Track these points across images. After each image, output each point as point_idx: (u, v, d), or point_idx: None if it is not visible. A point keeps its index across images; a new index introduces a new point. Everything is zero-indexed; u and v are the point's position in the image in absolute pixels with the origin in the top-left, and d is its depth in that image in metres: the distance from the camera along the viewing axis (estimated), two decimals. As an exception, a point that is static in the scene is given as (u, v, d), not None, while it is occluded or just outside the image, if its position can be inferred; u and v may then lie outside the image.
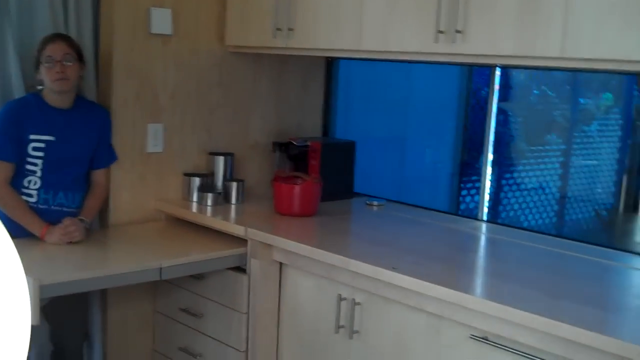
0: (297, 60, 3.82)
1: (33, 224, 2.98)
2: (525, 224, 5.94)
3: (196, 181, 3.50)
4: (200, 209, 3.40)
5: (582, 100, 6.66)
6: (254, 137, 3.80)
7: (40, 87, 3.05)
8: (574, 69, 2.55)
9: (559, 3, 2.40)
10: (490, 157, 3.44)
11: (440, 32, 2.69)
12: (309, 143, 3.61)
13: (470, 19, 2.63)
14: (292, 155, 3.64)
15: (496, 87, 3.37)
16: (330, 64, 3.99)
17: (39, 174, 3.02)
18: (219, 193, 3.49)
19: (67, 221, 2.98)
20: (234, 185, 3.52)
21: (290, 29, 3.25)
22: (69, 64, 2.97)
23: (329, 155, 3.60)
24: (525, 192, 6.01)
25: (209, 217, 3.29)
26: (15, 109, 3.01)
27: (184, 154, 3.57)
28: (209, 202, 3.44)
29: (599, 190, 6.80)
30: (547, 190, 6.24)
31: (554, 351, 2.14)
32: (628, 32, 2.27)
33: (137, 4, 3.34)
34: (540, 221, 6.13)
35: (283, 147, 3.67)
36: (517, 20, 2.51)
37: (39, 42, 3.02)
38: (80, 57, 3.05)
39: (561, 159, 6.39)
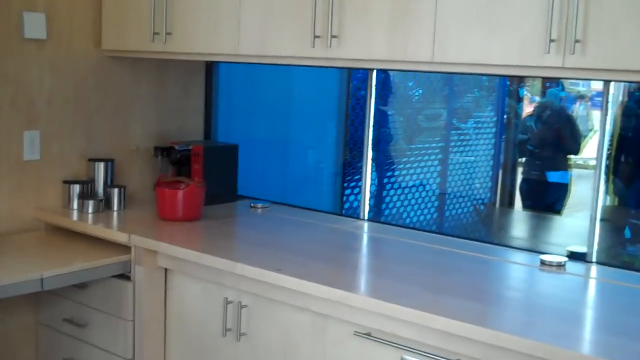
0: (176, 64, 3.81)
1: None
2: (407, 221, 6.12)
3: (76, 188, 3.43)
4: (81, 216, 3.34)
5: (458, 99, 6.92)
6: (135, 141, 3.76)
7: None
8: (446, 72, 2.66)
9: (428, 10, 2.51)
10: (370, 156, 3.53)
11: (317, 36, 2.75)
12: (191, 147, 3.60)
13: (345, 24, 2.70)
14: (175, 159, 3.62)
15: (374, 88, 3.46)
16: (211, 67, 3.99)
17: None
18: (100, 200, 3.43)
19: None
20: (115, 191, 3.47)
21: (169, 33, 3.23)
22: None
23: (211, 159, 3.60)
24: (406, 190, 6.19)
25: (90, 225, 3.23)
26: None
27: (63, 160, 3.49)
28: (90, 210, 3.38)
29: (477, 186, 7.09)
30: (427, 188, 6.44)
31: (431, 342, 2.23)
32: (491, 38, 2.39)
33: (9, 8, 3.24)
34: (421, 217, 6.33)
35: (165, 151, 3.65)
36: (389, 26, 2.60)
37: None
38: None
39: (440, 156, 6.61)
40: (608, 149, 6.27)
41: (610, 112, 2.93)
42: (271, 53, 2.95)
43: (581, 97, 7.55)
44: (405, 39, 2.57)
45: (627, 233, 6.56)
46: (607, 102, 2.86)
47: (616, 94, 6.48)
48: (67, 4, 3.44)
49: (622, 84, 5.32)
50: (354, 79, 4.97)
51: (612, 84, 2.88)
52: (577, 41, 2.19)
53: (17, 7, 3.26)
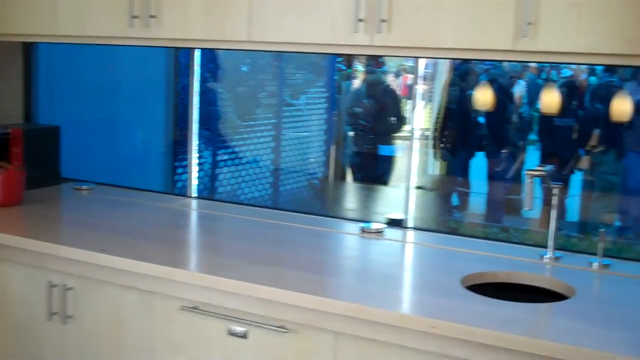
0: (-9, 44, 3.66)
1: None
2: (243, 197, 6.19)
3: None
4: None
5: (290, 76, 7.03)
6: (-51, 126, 3.58)
7: None
8: (262, 50, 2.74)
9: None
10: (195, 135, 3.56)
11: (135, 17, 2.75)
12: (9, 130, 3.48)
13: (163, 4, 2.72)
14: (-7, 143, 3.48)
15: (197, 67, 3.48)
16: (29, 48, 3.86)
17: None
18: None
19: None
20: None
21: (-20, 13, 3.11)
22: None
23: (32, 142, 3.49)
24: (240, 167, 6.25)
25: None
26: None
27: None
28: None
29: (311, 161, 7.27)
30: (261, 164, 6.54)
31: (257, 312, 2.31)
32: (304, 19, 2.50)
33: None
34: (256, 193, 6.42)
35: (-19, 135, 3.50)
36: (207, 7, 2.66)
37: None
38: None
39: (273, 132, 6.72)
40: (435, 121, 6.62)
41: (420, 87, 3.10)
42: (89, 33, 2.92)
43: (407, 71, 7.90)
44: (223, 19, 2.62)
45: (455, 200, 6.96)
46: (417, 77, 3.04)
47: (441, 68, 6.84)
48: None
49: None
50: (183, 57, 4.95)
51: (424, 60, 3.06)
52: (382, 21, 2.32)
53: None
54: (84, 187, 3.56)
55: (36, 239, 2.72)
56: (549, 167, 2.55)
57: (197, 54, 3.47)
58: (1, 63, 3.77)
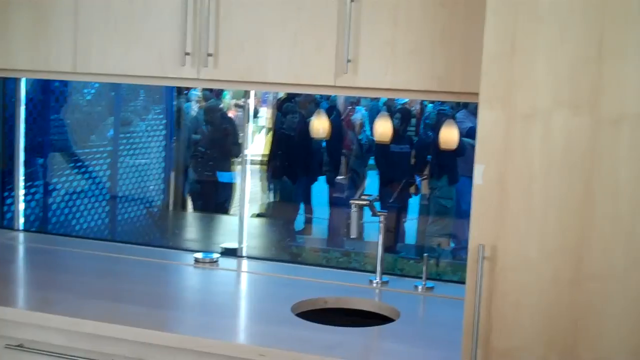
0: None
1: None
2: (78, 227, 6.00)
3: None
4: None
5: (127, 102, 6.92)
6: None
7: None
8: (88, 81, 2.73)
9: (68, 23, 2.56)
10: (21, 165, 3.45)
11: (-49, 44, 2.66)
12: None
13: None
14: None
15: (23, 96, 3.38)
16: None
17: None
18: None
19: None
20: None
21: None
22: None
23: None
24: (74, 196, 6.06)
25: None
26: None
27: None
28: None
29: (150, 188, 7.15)
30: (96, 192, 6.36)
31: (83, 347, 2.27)
32: (132, 51, 2.51)
33: None
34: (92, 223, 6.24)
35: None
36: (30, 37, 2.61)
37: None
38: None
39: (109, 160, 6.57)
40: (273, 148, 6.70)
41: (251, 117, 3.17)
42: None
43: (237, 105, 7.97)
44: (47, 49, 2.59)
45: (296, 226, 7.06)
46: (248, 109, 3.10)
47: (272, 97, 6.95)
48: None
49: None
50: (11, 83, 4.76)
51: (252, 92, 3.12)
52: (209, 55, 2.37)
53: None
54: None
55: None
56: (373, 196, 2.68)
57: (23, 82, 3.38)
58: None
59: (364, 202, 2.62)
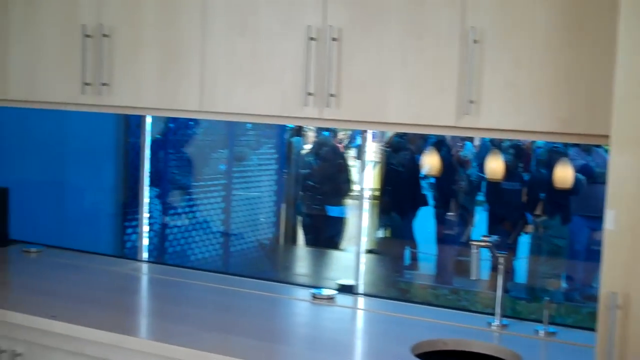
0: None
1: None
2: (193, 258, 6.17)
3: None
4: None
5: (240, 137, 7.10)
6: None
7: None
8: (213, 119, 2.81)
9: (196, 63, 2.65)
10: (146, 201, 3.57)
11: (87, 84, 2.79)
12: (-42, 192, 3.46)
13: (115, 72, 2.76)
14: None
15: (146, 132, 3.52)
16: (-21, 109, 3.85)
17: None
18: None
19: None
20: None
21: None
22: None
23: (-21, 204, 3.48)
24: (190, 227, 6.25)
25: None
26: None
27: None
28: None
29: (261, 221, 7.28)
30: (211, 224, 6.53)
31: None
32: (255, 90, 2.57)
33: None
34: (206, 254, 6.40)
35: None
36: (159, 76, 2.71)
37: None
38: None
39: (223, 193, 6.74)
40: (383, 183, 6.71)
41: (368, 152, 3.19)
42: (40, 98, 2.95)
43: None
44: (174, 88, 2.68)
45: (404, 262, 7.02)
46: (365, 145, 3.12)
47: (381, 132, 6.96)
48: None
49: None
50: (133, 120, 4.98)
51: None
52: (331, 95, 2.41)
53: None
54: (33, 249, 3.53)
55: (-18, 304, 2.69)
56: (494, 238, 2.63)
57: (147, 120, 3.52)
58: (-49, 124, 3.76)
59: (485, 244, 2.58)
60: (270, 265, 7.11)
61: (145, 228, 3.58)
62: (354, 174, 7.03)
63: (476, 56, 2.24)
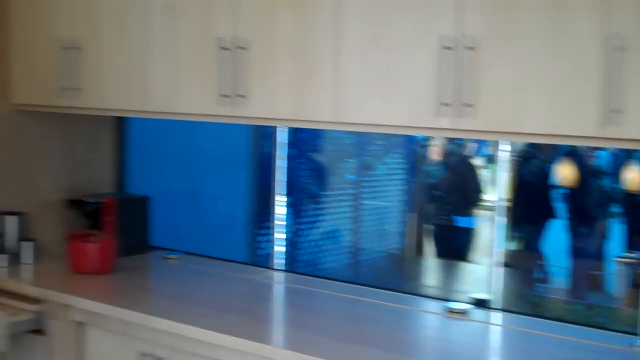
0: (87, 117, 3.82)
1: None
2: (322, 266, 6.23)
3: (-15, 243, 3.41)
4: (-10, 271, 3.32)
5: (369, 146, 7.11)
6: (46, 195, 3.75)
7: None
8: (345, 130, 2.82)
9: (328, 74, 2.66)
10: (278, 211, 3.63)
11: (223, 95, 2.86)
12: (102, 200, 3.63)
13: (251, 84, 2.82)
14: (87, 212, 3.64)
15: (278, 142, 3.58)
16: (121, 120, 4.04)
17: None
18: (12, 254, 3.42)
19: None
20: (27, 244, 3.46)
21: (77, 89, 3.28)
22: None
23: (123, 211, 3.63)
24: (318, 236, 6.31)
25: (1, 280, 3.22)
26: None
27: (-29, 215, 3.46)
28: (1, 264, 3.36)
29: (390, 231, 7.26)
30: (340, 233, 6.57)
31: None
32: (387, 101, 2.55)
33: None
34: (334, 264, 6.44)
35: (76, 204, 3.66)
36: (292, 87, 2.74)
37: None
38: None
39: (352, 202, 6.77)
40: (514, 194, 6.55)
41: (503, 163, 3.11)
42: (178, 110, 3.05)
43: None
44: (308, 99, 2.71)
45: (536, 275, 6.82)
46: (498, 156, 3.05)
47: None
48: (-26, 57, 3.45)
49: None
50: (266, 130, 5.08)
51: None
52: (466, 105, 2.36)
53: None
54: (172, 256, 3.66)
55: (127, 308, 2.82)
56: (638, 254, 2.51)
57: (279, 130, 3.58)
58: (94, 135, 3.95)
59: (630, 260, 2.46)
60: (398, 276, 7.07)
61: (278, 236, 3.63)
62: (484, 184, 6.90)
63: (620, 63, 2.14)
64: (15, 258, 3.43)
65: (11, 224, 3.51)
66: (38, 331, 3.05)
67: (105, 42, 3.23)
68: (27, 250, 3.46)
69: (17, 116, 3.61)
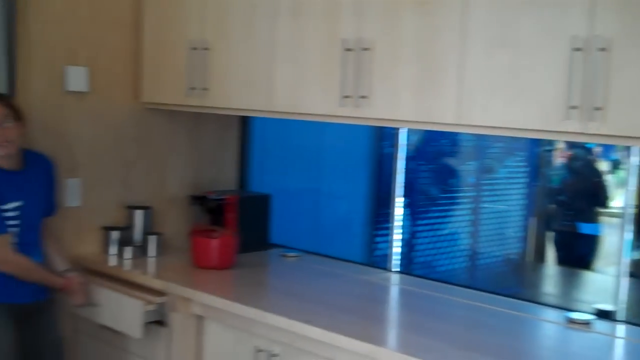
0: (213, 116, 3.93)
1: (53, 279, 3.12)
2: (439, 269, 6.16)
3: (114, 234, 3.55)
4: (118, 262, 3.46)
5: (490, 148, 6.98)
6: (172, 190, 3.89)
7: None
8: (469, 133, 2.76)
9: (453, 75, 2.61)
10: (397, 211, 3.62)
11: (346, 96, 2.87)
12: (225, 196, 3.72)
13: (373, 85, 2.81)
14: (209, 208, 3.73)
15: (400, 143, 3.56)
16: (245, 119, 4.12)
17: (16, 239, 3.01)
18: (138, 246, 3.55)
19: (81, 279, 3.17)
20: (152, 238, 3.59)
21: (205, 89, 3.37)
22: (9, 125, 2.95)
23: (245, 208, 3.71)
24: (435, 239, 6.24)
25: (127, 271, 3.35)
26: None
27: (103, 208, 3.61)
28: (128, 256, 3.50)
29: (510, 236, 7.10)
30: (458, 236, 6.48)
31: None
32: (514, 104, 2.49)
33: (53, 62, 3.41)
34: (451, 267, 6.36)
35: (200, 200, 3.76)
36: (416, 89, 2.71)
37: None
38: (19, 116, 3.01)
39: (471, 205, 6.66)
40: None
41: (633, 168, 2.98)
42: (302, 110, 3.07)
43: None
44: (431, 101, 2.67)
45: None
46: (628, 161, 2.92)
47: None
48: (108, 58, 3.60)
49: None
50: (386, 131, 5.07)
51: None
52: (597, 109, 2.27)
53: (60, 61, 3.43)
54: (291, 254, 3.71)
55: (245, 304, 2.87)
56: None
57: (400, 133, 3.56)
58: (220, 133, 4.06)
59: None
60: (517, 282, 6.91)
61: (396, 237, 3.61)
62: (610, 190, 6.63)
63: None
64: (140, 250, 3.56)
65: (139, 218, 3.65)
66: (159, 322, 3.15)
67: (232, 43, 3.30)
68: (152, 244, 3.59)
69: (147, 114, 3.75)
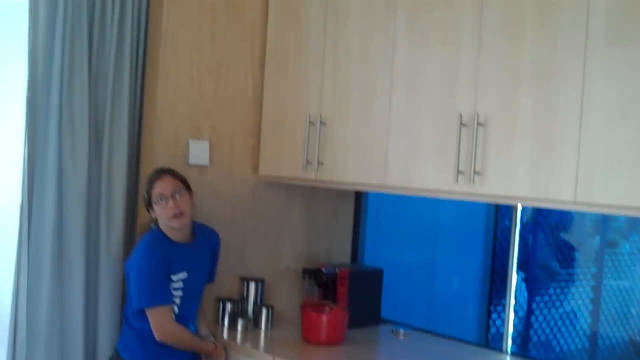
0: (327, 190, 3.96)
1: (204, 346, 3.24)
2: (557, 349, 5.90)
3: (228, 306, 3.60)
4: (230, 334, 3.49)
5: (611, 222, 6.70)
6: (285, 262, 3.91)
7: (153, 226, 3.19)
8: (588, 211, 2.66)
9: (571, 151, 2.54)
10: (512, 294, 3.50)
11: (460, 172, 2.83)
12: (337, 270, 3.71)
13: (488, 161, 2.76)
14: (321, 282, 3.72)
15: (518, 222, 3.47)
16: (360, 193, 4.13)
17: (176, 310, 3.14)
18: (250, 319, 3.58)
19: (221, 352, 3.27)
20: (264, 311, 3.61)
21: (320, 163, 3.41)
22: (182, 196, 3.10)
23: (357, 282, 3.68)
24: (556, 317, 6.00)
25: (238, 345, 3.37)
26: (161, 253, 3.09)
27: (219, 278, 3.63)
28: (239, 328, 3.53)
29: (634, 315, 6.74)
30: (578, 315, 6.21)
31: None
32: (636, 181, 2.39)
33: (176, 136, 3.55)
34: (572, 346, 6.07)
35: (312, 273, 3.76)
36: (532, 165, 2.65)
37: (146, 182, 3.19)
38: (188, 187, 3.17)
39: (592, 282, 6.38)
40: None
41: None
42: (416, 186, 3.05)
43: None
44: (548, 178, 2.59)
45: None
46: None
47: None
48: (229, 132, 3.71)
49: None
50: (501, 206, 4.97)
51: None
52: None
53: (183, 135, 3.56)
54: (401, 331, 3.63)
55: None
56: None
57: (518, 208, 3.47)
58: (334, 206, 4.07)
59: None
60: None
61: (512, 315, 3.49)
62: None
63: None
64: (252, 323, 3.59)
65: (252, 290, 3.68)
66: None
67: (348, 117, 3.34)
68: (263, 316, 3.60)
69: (264, 187, 3.82)
